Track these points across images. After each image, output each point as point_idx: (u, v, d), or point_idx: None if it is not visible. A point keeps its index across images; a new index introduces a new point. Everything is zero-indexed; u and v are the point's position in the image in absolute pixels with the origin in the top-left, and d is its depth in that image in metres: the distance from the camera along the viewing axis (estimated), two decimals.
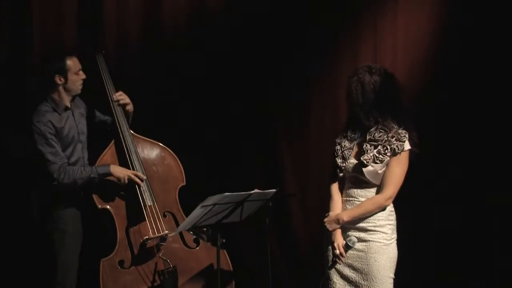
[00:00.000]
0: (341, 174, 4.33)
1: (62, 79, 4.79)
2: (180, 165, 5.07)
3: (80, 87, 4.87)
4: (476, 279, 5.54)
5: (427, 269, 5.51)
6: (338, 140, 4.38)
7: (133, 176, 4.84)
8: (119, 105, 4.97)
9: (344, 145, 4.33)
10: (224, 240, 4.59)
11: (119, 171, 4.83)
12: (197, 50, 5.73)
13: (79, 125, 4.91)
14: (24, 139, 5.37)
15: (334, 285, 4.29)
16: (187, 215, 4.50)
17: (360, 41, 5.76)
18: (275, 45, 5.77)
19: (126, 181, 4.82)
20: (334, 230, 4.29)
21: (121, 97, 4.98)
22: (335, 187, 4.37)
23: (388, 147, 4.18)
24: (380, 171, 4.20)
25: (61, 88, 4.82)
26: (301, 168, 5.89)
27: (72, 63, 4.80)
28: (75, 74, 4.82)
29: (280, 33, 5.77)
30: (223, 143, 5.76)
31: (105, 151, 4.94)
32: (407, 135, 4.20)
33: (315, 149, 5.86)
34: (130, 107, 5.02)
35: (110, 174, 4.80)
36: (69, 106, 4.87)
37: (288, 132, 5.88)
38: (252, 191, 4.45)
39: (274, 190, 4.60)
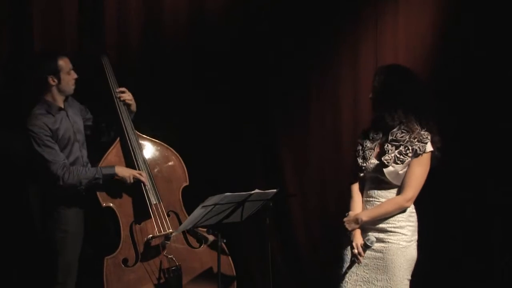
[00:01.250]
0: (361, 174, 4.32)
1: (56, 80, 4.77)
2: (184, 165, 5.07)
3: (73, 87, 4.85)
4: (477, 279, 5.55)
5: (427, 269, 5.51)
6: (360, 141, 4.38)
7: (138, 175, 4.83)
8: (121, 101, 4.97)
9: (366, 145, 4.32)
10: (224, 241, 4.59)
11: (124, 172, 4.81)
12: (197, 50, 5.73)
13: (74, 124, 4.89)
14: (24, 140, 5.39)
15: (345, 284, 4.28)
16: (189, 215, 4.50)
17: (360, 40, 5.76)
18: (275, 45, 5.77)
19: (132, 181, 4.81)
20: (353, 230, 4.28)
21: (124, 94, 4.98)
22: (355, 187, 4.37)
23: (410, 148, 4.17)
24: (401, 172, 4.19)
25: (54, 89, 4.80)
26: (301, 168, 5.89)
27: (63, 63, 4.78)
28: (67, 74, 4.79)
29: (280, 33, 5.77)
30: (223, 143, 5.75)
31: (109, 150, 4.93)
32: (429, 137, 4.19)
33: (315, 149, 5.86)
34: (133, 107, 5.03)
35: (115, 175, 4.79)
36: (63, 106, 4.85)
37: (288, 132, 5.88)
38: (253, 191, 4.46)
39: (275, 190, 4.60)
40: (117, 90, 4.98)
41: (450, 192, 5.62)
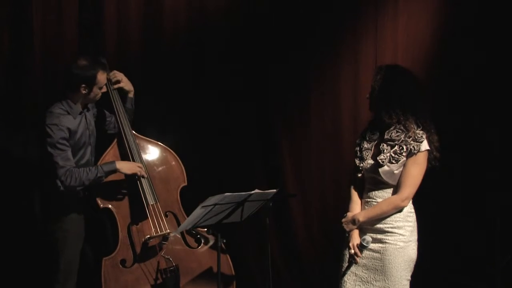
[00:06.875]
0: (359, 175, 4.31)
1: (87, 90, 4.74)
2: (182, 165, 5.07)
3: (97, 99, 4.86)
4: (477, 279, 5.55)
5: (426, 269, 5.52)
6: (357, 141, 4.37)
7: (139, 169, 4.82)
8: (113, 83, 4.95)
9: (363, 146, 4.31)
10: (224, 241, 4.59)
11: (125, 167, 4.80)
12: (197, 49, 5.73)
13: (89, 127, 4.90)
14: (24, 139, 5.39)
15: (344, 284, 4.28)
16: (188, 215, 4.50)
17: (360, 40, 5.77)
18: (275, 45, 5.77)
19: (132, 173, 4.81)
20: (351, 230, 4.28)
21: (115, 75, 4.97)
22: (354, 188, 4.36)
23: (404, 147, 4.16)
24: (396, 171, 4.17)
25: (80, 96, 4.76)
26: (302, 168, 5.89)
27: (101, 77, 4.75)
28: (99, 88, 4.78)
29: (280, 33, 5.77)
30: (223, 143, 5.76)
31: (107, 150, 4.94)
32: (424, 136, 4.17)
33: (316, 149, 5.87)
34: (128, 86, 5.02)
35: (116, 171, 4.78)
36: (82, 110, 4.84)
37: (288, 132, 5.89)
38: (253, 191, 4.45)
39: (275, 190, 4.60)
40: (109, 74, 4.95)
41: (450, 192, 5.62)
